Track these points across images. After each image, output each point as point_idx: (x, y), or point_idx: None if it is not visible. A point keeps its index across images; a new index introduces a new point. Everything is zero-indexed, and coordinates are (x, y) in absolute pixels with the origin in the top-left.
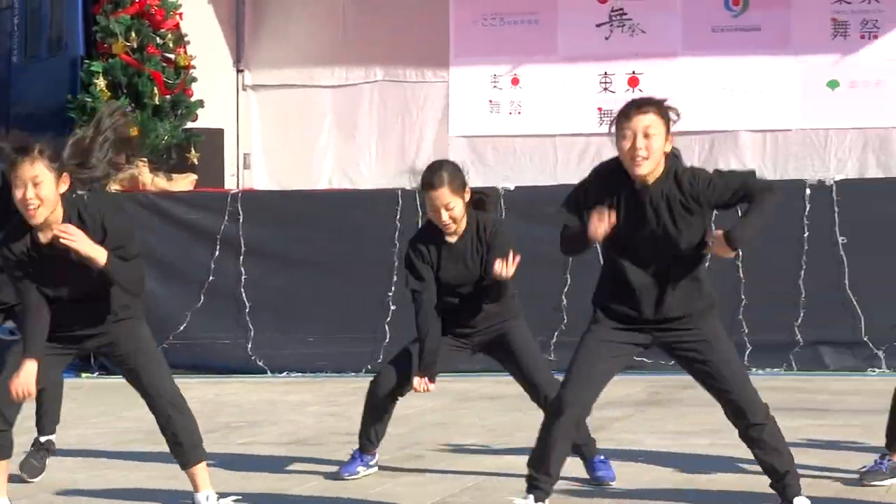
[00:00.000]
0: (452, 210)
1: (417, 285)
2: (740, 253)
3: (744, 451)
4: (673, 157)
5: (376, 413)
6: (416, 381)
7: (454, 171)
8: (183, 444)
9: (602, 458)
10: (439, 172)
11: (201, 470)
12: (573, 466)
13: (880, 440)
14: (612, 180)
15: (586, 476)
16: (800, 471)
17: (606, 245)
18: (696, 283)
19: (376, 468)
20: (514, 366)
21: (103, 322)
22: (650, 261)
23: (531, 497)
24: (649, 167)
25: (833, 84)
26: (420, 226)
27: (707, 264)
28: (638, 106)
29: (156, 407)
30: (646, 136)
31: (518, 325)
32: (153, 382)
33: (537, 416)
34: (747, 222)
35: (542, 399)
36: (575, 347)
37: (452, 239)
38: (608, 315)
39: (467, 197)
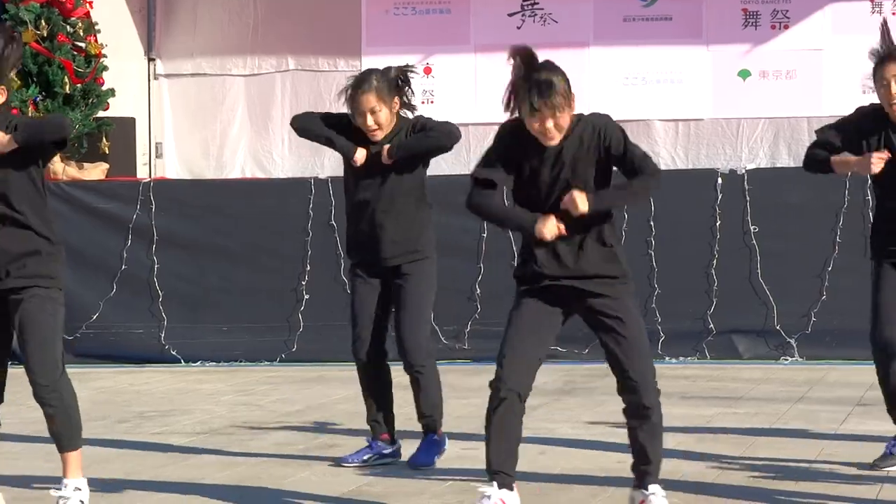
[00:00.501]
0: (377, 115)
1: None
2: (652, 242)
3: None
4: None
5: (372, 386)
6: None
7: (384, 78)
8: (61, 431)
9: (436, 437)
10: (369, 77)
11: (74, 457)
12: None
13: (794, 427)
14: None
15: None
16: (712, 459)
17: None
18: None
19: (389, 459)
20: (396, 314)
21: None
22: None
23: (494, 483)
24: None
25: (744, 74)
26: (333, 212)
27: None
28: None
29: (36, 391)
30: None
31: (421, 272)
32: (37, 361)
33: (454, 403)
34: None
35: (406, 363)
36: (487, 336)
37: (378, 135)
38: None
39: (396, 107)
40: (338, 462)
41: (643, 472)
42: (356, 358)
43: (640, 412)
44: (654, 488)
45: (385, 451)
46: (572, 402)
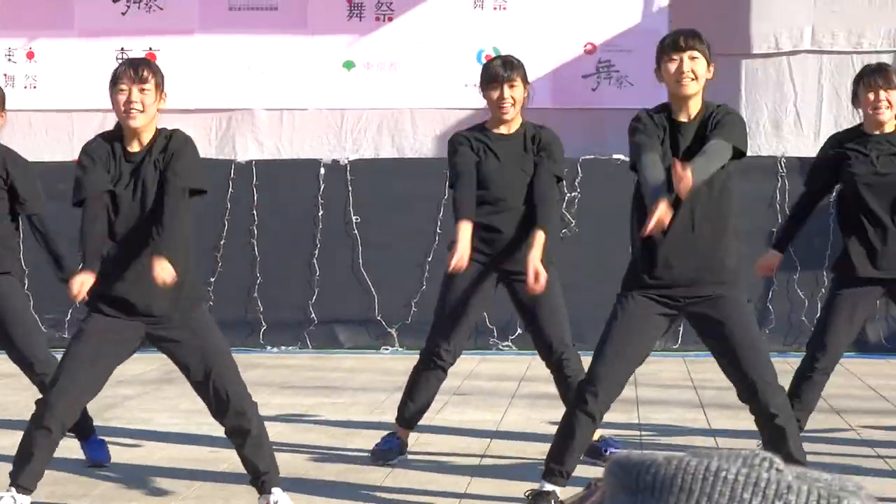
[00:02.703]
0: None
1: None
2: (255, 231)
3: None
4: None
5: None
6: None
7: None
8: None
9: (98, 437)
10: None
11: None
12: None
13: (390, 417)
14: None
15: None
16: (307, 449)
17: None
18: None
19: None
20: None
21: None
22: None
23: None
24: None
25: (349, 65)
26: None
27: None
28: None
29: None
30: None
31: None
32: None
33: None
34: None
35: None
36: None
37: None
38: None
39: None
40: None
41: (262, 482)
42: None
43: (242, 430)
44: (276, 492)
45: None
46: (171, 391)
